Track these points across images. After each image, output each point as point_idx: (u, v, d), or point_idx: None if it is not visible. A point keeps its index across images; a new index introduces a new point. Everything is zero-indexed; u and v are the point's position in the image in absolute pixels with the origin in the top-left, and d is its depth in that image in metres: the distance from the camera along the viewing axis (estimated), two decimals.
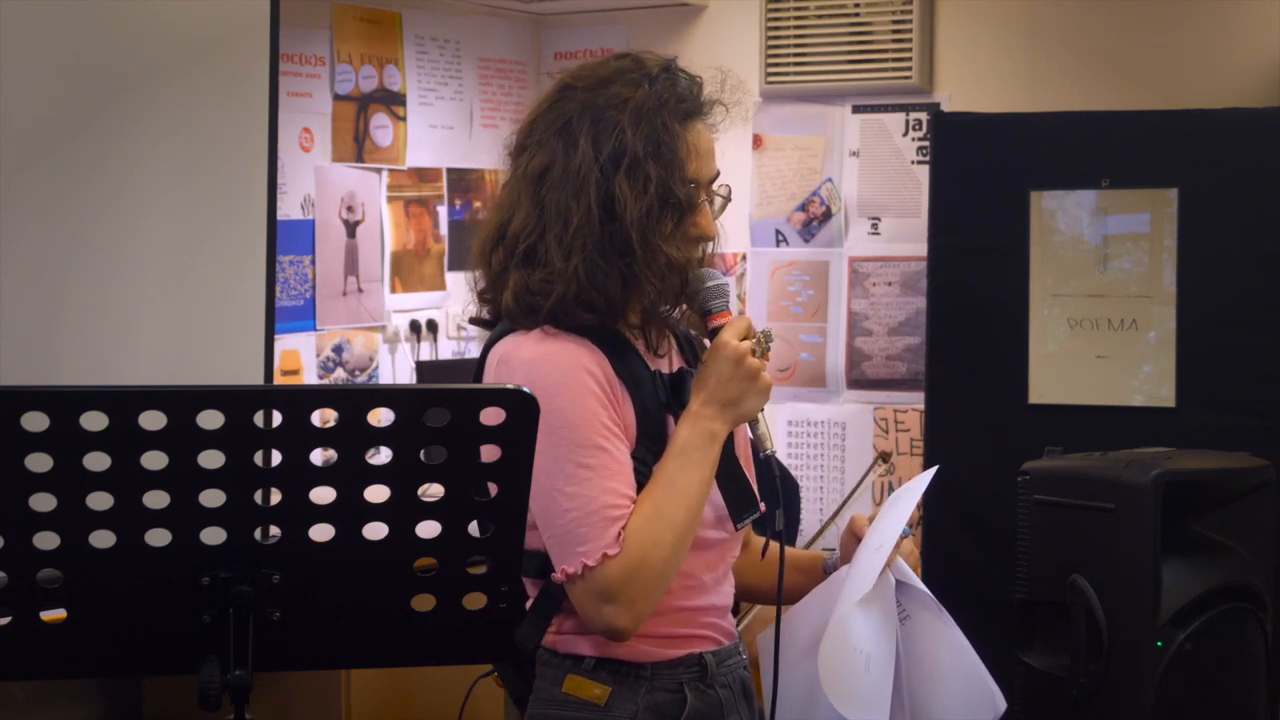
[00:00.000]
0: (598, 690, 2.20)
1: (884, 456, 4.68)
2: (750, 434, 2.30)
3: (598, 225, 2.18)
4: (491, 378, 2.21)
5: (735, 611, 2.41)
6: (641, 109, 2.22)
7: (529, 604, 2.23)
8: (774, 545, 2.31)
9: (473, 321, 2.36)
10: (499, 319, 2.29)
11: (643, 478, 2.18)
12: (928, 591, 2.31)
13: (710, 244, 2.30)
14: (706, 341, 2.30)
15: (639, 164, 2.19)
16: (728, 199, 2.30)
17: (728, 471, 2.26)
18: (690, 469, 2.17)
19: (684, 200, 2.22)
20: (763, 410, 2.25)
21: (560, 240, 2.18)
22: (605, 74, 2.27)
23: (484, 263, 2.28)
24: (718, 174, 2.29)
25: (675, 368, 2.31)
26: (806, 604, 2.40)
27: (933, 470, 2.42)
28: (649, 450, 2.20)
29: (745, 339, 2.23)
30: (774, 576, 2.36)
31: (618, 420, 2.17)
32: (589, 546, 2.11)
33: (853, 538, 2.41)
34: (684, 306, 2.31)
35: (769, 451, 2.27)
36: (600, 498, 2.12)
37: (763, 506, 2.33)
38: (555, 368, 2.15)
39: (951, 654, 2.32)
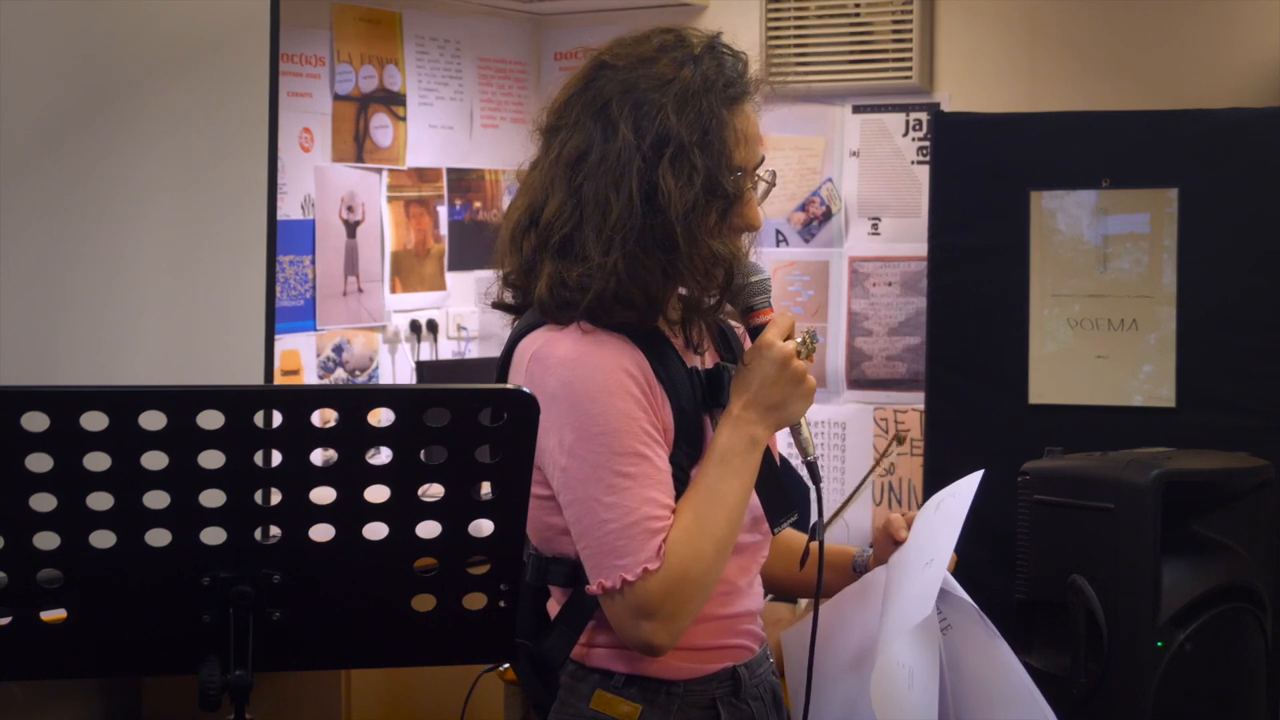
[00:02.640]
0: (627, 708, 2.11)
1: (899, 438, 4.59)
2: (792, 439, 2.19)
3: (639, 217, 2.04)
4: (522, 374, 2.08)
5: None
6: (686, 92, 2.08)
7: (557, 612, 2.15)
8: (813, 546, 2.22)
9: (495, 306, 2.24)
10: (525, 306, 2.18)
11: (680, 483, 2.08)
12: (970, 600, 2.20)
13: (755, 233, 2.18)
14: (746, 341, 2.20)
15: (684, 153, 2.06)
16: (772, 184, 2.17)
17: (765, 474, 2.15)
18: (731, 476, 2.08)
19: (731, 191, 2.09)
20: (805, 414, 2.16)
21: (599, 232, 2.05)
22: (646, 52, 2.13)
23: (514, 248, 2.15)
24: (763, 159, 2.16)
25: (709, 362, 2.19)
26: (840, 610, 2.30)
27: (979, 475, 2.30)
28: (686, 454, 2.10)
29: (788, 338, 2.13)
30: (798, 571, 2.30)
31: (657, 424, 2.06)
32: (629, 560, 2.01)
33: (889, 539, 2.31)
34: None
35: (812, 457, 2.18)
36: (641, 508, 2.02)
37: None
38: (594, 370, 2.04)
39: (997, 668, 2.20)
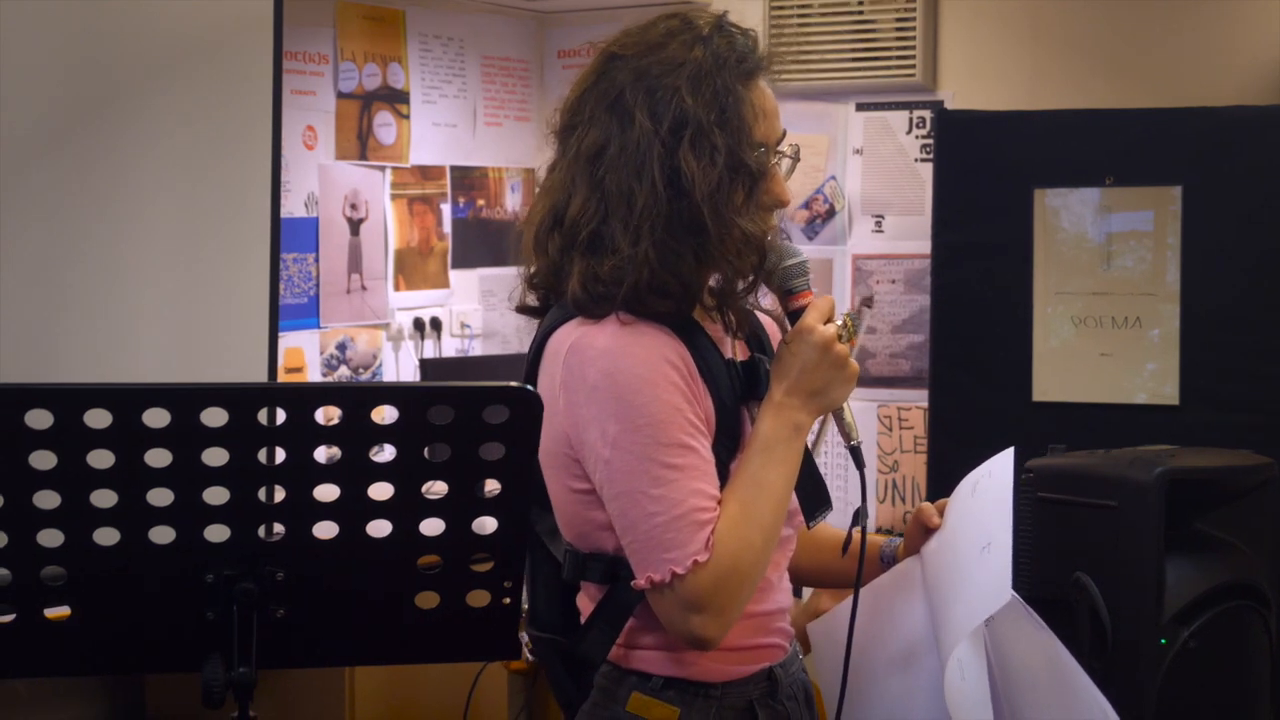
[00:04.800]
0: (665, 711, 2.07)
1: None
2: (836, 424, 2.16)
3: (665, 203, 2.01)
4: (559, 366, 2.04)
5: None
6: (699, 72, 2.04)
7: (590, 609, 2.10)
8: (855, 534, 2.19)
9: (520, 309, 2.20)
10: (548, 307, 2.15)
11: (719, 477, 2.04)
12: (1015, 593, 2.13)
13: (784, 210, 2.15)
14: (774, 329, 2.18)
15: (703, 133, 2.02)
16: (797, 158, 2.14)
17: (801, 466, 2.11)
18: (776, 464, 2.05)
19: (755, 167, 2.05)
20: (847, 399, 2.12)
21: (626, 223, 2.02)
22: (654, 38, 2.10)
23: (538, 250, 2.11)
24: (784, 133, 2.13)
25: (740, 354, 2.16)
26: (874, 604, 2.23)
27: (1010, 453, 2.26)
28: (725, 447, 2.06)
29: (828, 321, 2.09)
30: (821, 558, 2.28)
31: (700, 415, 2.03)
32: (678, 553, 1.97)
33: (921, 529, 2.28)
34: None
35: (856, 442, 2.15)
36: (688, 500, 1.98)
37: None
38: (636, 360, 2.00)
39: (1048, 661, 2.17)
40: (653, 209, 2.02)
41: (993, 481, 2.23)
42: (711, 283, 2.11)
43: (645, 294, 2.02)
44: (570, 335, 2.05)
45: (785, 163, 2.13)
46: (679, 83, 2.04)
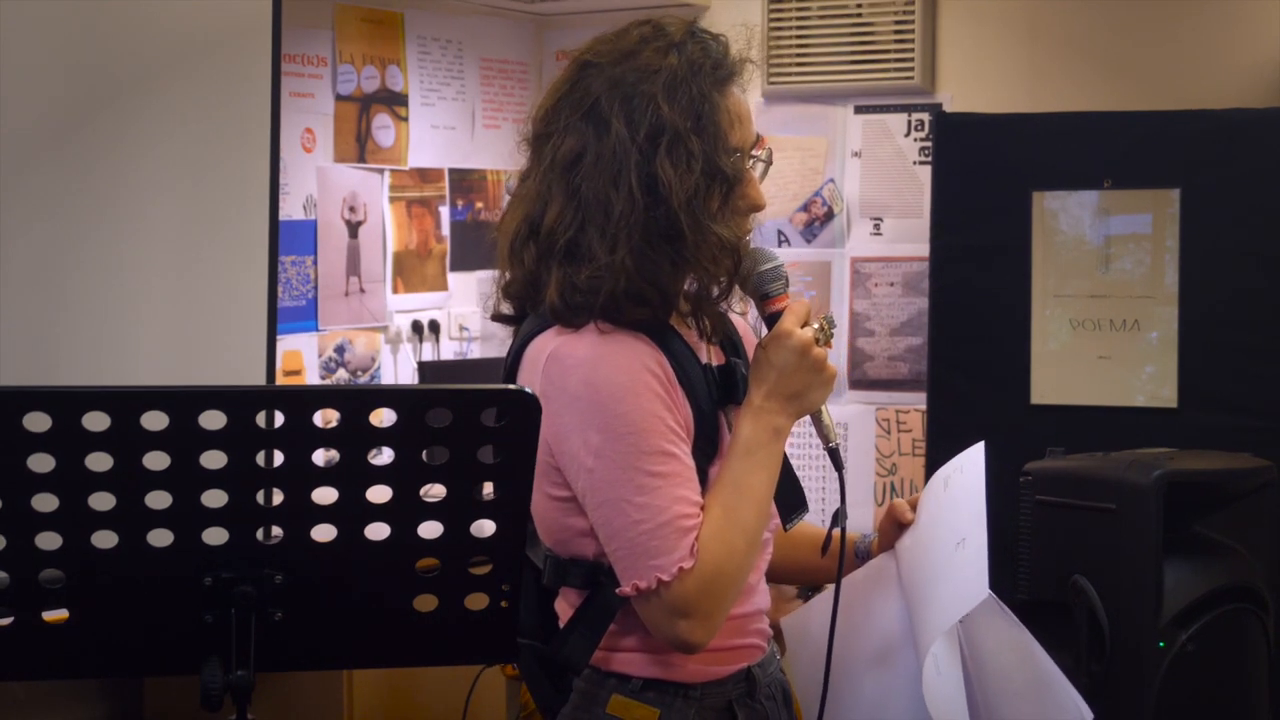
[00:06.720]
0: (644, 713, 2.09)
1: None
2: (815, 426, 2.18)
3: (642, 211, 2.02)
4: (538, 374, 2.05)
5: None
6: (675, 79, 2.06)
7: (570, 614, 2.12)
8: (833, 538, 2.21)
9: (495, 318, 2.22)
10: (524, 315, 2.16)
11: (699, 483, 2.06)
12: (988, 590, 2.15)
13: (759, 214, 2.16)
14: (752, 332, 2.18)
15: (680, 140, 2.03)
16: (769, 163, 2.15)
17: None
18: (757, 469, 2.07)
19: (730, 173, 2.07)
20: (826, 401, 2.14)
21: (603, 231, 2.03)
22: (628, 45, 2.10)
23: (513, 260, 2.12)
24: (758, 137, 2.14)
25: (716, 359, 2.18)
26: (850, 599, 2.24)
27: (980, 446, 2.28)
28: (703, 453, 2.08)
29: (805, 324, 2.11)
30: (797, 555, 2.29)
31: (680, 421, 2.05)
32: (663, 560, 1.99)
33: (894, 524, 2.30)
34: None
35: (834, 443, 2.17)
36: (672, 507, 2.00)
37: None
38: (616, 369, 2.02)
39: (1021, 656, 2.18)
40: (630, 217, 2.03)
41: (964, 477, 2.24)
42: (687, 287, 2.12)
43: (623, 302, 2.03)
44: (549, 344, 2.06)
45: (759, 166, 2.15)
46: (655, 90, 2.05)
